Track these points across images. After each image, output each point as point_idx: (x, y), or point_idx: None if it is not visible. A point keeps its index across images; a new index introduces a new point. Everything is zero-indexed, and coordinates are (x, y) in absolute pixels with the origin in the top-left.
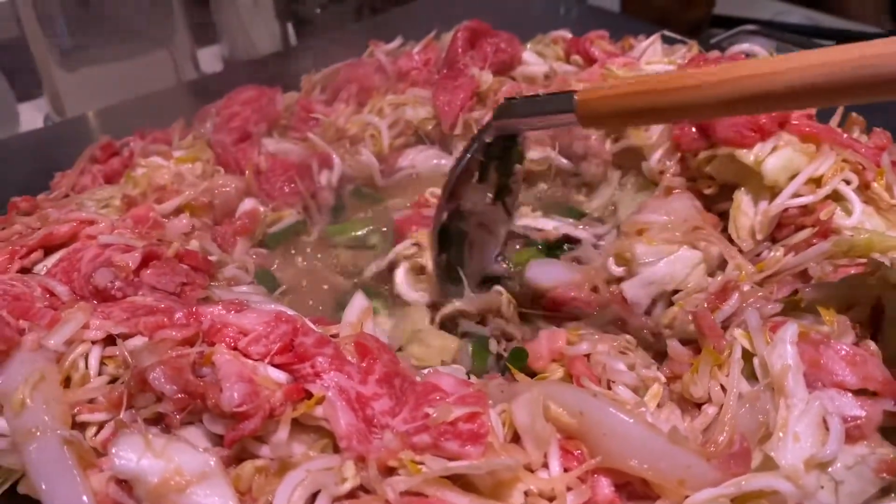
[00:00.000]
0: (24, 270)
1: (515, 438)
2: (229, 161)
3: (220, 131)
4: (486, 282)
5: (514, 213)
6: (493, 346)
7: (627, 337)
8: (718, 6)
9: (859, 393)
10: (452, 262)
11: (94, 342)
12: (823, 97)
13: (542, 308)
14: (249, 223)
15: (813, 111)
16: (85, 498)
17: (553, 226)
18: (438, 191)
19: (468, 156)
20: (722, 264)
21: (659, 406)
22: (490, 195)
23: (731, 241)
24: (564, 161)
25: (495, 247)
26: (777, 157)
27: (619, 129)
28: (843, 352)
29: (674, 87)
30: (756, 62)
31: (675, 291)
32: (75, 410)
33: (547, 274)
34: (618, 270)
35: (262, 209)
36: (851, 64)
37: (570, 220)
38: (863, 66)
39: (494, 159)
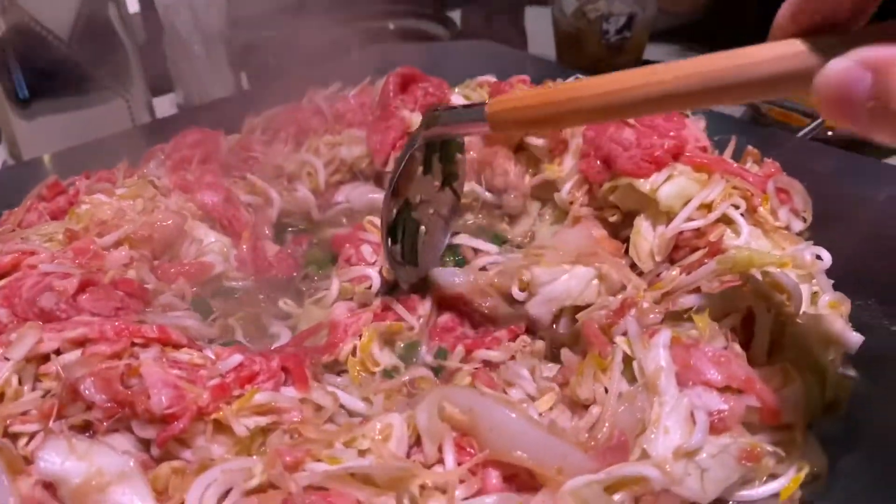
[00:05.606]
0: None
1: (419, 441)
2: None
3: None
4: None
5: (461, 194)
6: (423, 353)
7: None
8: (647, 53)
9: (724, 390)
10: (406, 251)
11: (28, 360)
12: (698, 100)
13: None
14: (197, 273)
15: (707, 143)
16: (11, 500)
17: (478, 247)
18: (376, 219)
19: (403, 162)
20: (624, 285)
21: (550, 409)
22: (437, 183)
23: (634, 265)
24: (488, 194)
25: (448, 229)
26: (671, 185)
27: (523, 132)
28: (710, 354)
29: (564, 99)
30: (639, 72)
31: (578, 309)
32: (7, 422)
33: (450, 275)
34: (521, 295)
35: (217, 265)
36: (718, 73)
37: (493, 246)
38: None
39: (436, 151)
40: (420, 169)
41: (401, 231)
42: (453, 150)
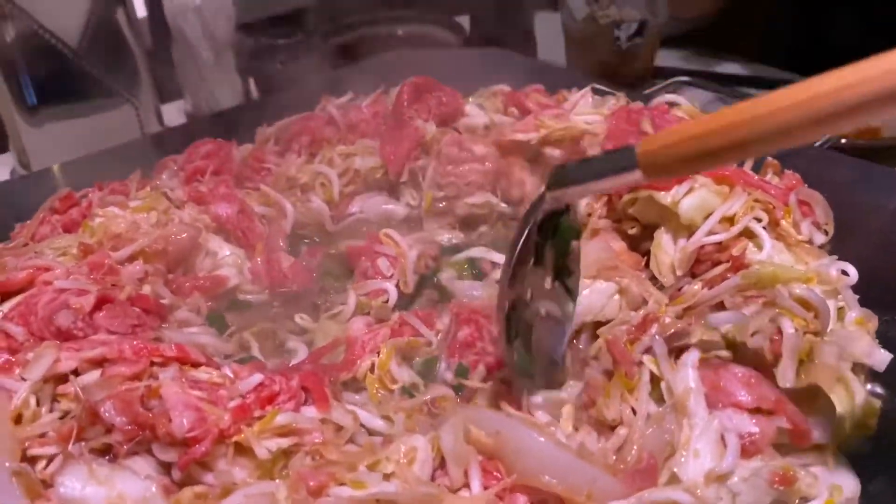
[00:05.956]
0: None
1: (443, 463)
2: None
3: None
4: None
5: (577, 294)
6: (442, 370)
7: None
8: (660, 59)
9: (754, 412)
10: (520, 357)
11: (45, 380)
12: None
13: None
14: (212, 287)
15: None
16: None
17: (495, 259)
18: (392, 232)
19: (525, 235)
20: (645, 299)
21: (576, 429)
22: (549, 279)
23: (654, 277)
24: (504, 206)
25: (563, 334)
26: (692, 197)
27: (686, 175)
28: (740, 374)
29: (739, 121)
30: (817, 80)
31: (599, 324)
32: (26, 445)
33: (468, 289)
34: None
35: (232, 278)
36: None
37: None
38: None
39: (548, 238)
40: (532, 258)
41: (514, 332)
42: (568, 235)
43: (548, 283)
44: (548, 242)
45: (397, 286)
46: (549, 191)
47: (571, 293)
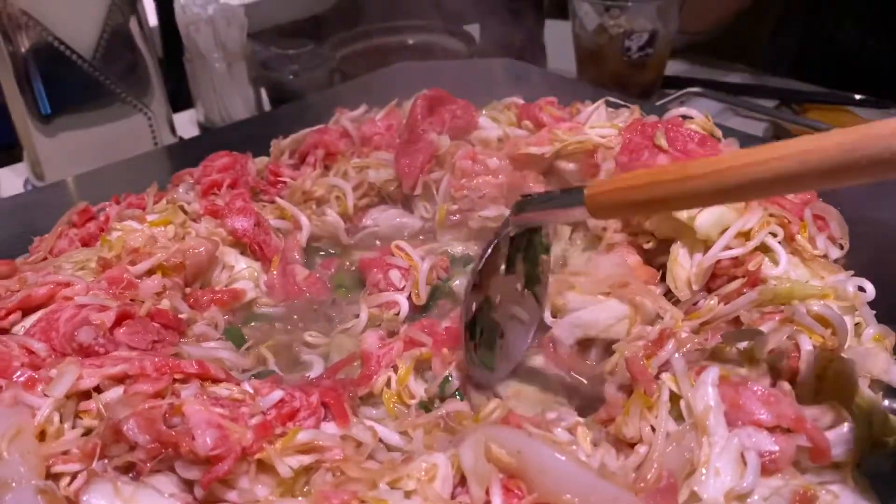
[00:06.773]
0: (3, 331)
1: (463, 480)
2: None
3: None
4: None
5: (545, 303)
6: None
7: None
8: (668, 69)
9: (774, 430)
10: (482, 353)
11: (68, 397)
12: (813, 181)
13: None
14: (229, 300)
15: None
16: None
17: None
18: (404, 244)
19: (489, 251)
20: (659, 315)
21: (595, 446)
22: (519, 285)
23: (669, 291)
24: None
25: (527, 336)
26: (708, 213)
27: (627, 218)
28: (760, 392)
29: (674, 178)
30: (753, 150)
31: (613, 342)
32: (50, 462)
33: None
34: (552, 321)
35: (248, 291)
36: (838, 149)
37: None
38: (848, 150)
39: (520, 251)
40: (503, 267)
41: (479, 330)
42: (538, 250)
43: (518, 288)
44: (518, 254)
45: (409, 298)
46: (513, 216)
47: (539, 300)
